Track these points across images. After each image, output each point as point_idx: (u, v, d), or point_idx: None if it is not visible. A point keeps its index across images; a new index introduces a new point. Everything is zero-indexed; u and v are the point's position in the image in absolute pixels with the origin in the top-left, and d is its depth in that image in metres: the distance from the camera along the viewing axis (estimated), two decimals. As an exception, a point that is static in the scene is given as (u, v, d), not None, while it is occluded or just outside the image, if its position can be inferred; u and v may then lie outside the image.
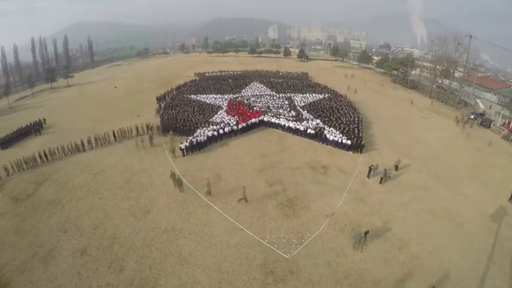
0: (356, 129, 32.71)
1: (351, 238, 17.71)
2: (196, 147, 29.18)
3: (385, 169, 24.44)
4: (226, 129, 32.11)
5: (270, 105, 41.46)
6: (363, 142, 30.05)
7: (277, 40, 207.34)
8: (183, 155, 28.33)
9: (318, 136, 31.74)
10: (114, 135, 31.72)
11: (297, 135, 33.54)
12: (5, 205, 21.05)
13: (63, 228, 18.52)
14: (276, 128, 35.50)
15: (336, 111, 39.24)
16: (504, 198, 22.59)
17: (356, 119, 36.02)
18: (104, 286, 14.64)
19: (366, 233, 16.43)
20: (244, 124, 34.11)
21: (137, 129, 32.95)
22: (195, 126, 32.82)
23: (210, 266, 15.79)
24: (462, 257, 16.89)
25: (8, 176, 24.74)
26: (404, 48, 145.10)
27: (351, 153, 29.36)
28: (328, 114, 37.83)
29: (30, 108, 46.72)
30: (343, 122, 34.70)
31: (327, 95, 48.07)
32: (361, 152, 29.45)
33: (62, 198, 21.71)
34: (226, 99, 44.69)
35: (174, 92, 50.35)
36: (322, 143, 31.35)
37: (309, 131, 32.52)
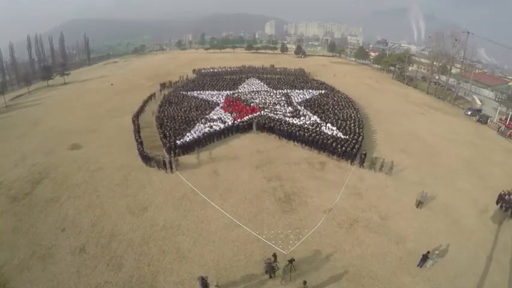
0: (353, 124, 32.71)
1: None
2: (193, 144, 29.06)
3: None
4: (223, 126, 32.04)
5: (267, 101, 41.36)
6: (355, 147, 27.45)
7: (274, 36, 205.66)
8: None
9: (313, 142, 29.34)
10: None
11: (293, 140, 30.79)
12: (3, 204, 20.98)
13: (61, 227, 18.52)
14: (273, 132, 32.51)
15: (332, 107, 39.25)
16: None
17: (353, 115, 35.99)
18: (103, 284, 14.71)
19: (291, 260, 14.67)
20: (239, 120, 33.83)
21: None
22: (192, 123, 32.70)
23: (209, 262, 15.88)
24: (460, 252, 17.08)
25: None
26: (402, 44, 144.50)
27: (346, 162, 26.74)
28: (325, 110, 37.84)
29: (26, 107, 46.34)
30: (340, 118, 34.69)
31: (323, 91, 48.05)
32: (353, 161, 26.62)
33: (60, 196, 21.66)
34: (223, 95, 44.54)
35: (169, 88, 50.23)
36: (318, 150, 28.78)
37: (305, 125, 32.46)
